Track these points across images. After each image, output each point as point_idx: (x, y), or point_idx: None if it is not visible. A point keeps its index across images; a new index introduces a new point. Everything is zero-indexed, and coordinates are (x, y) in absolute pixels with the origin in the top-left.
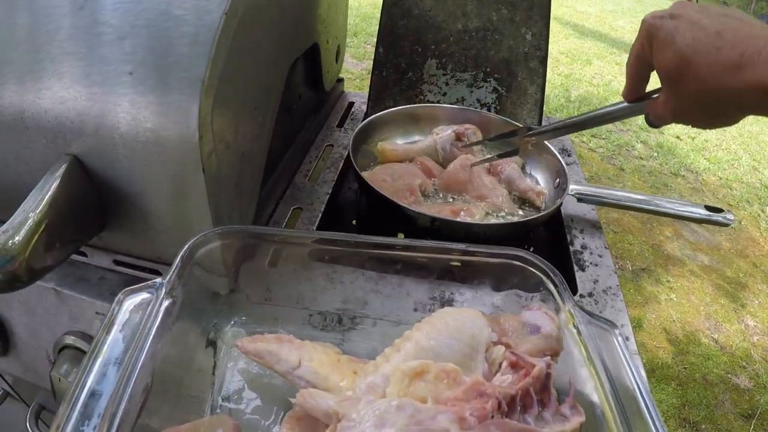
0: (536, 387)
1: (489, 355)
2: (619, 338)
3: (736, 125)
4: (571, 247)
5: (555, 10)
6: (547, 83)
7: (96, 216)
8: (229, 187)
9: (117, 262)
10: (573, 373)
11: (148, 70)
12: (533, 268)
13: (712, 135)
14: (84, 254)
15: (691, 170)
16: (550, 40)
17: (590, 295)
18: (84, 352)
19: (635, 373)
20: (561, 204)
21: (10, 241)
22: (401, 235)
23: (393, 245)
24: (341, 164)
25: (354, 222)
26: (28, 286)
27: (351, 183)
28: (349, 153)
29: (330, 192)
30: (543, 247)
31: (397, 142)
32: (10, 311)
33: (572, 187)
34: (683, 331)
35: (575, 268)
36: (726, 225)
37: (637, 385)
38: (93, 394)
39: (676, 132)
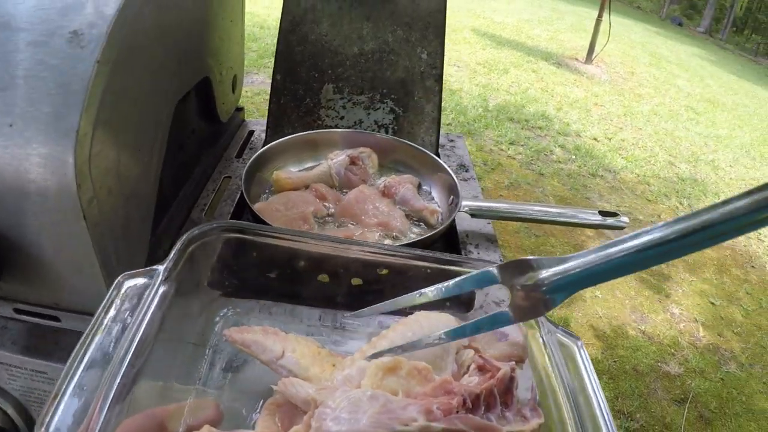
0: (500, 389)
1: (459, 357)
2: (582, 350)
3: (651, 123)
4: None
5: (472, 21)
6: (465, 94)
7: None
8: (116, 231)
9: (17, 311)
10: (535, 378)
11: (27, 121)
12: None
13: (628, 134)
14: None
15: (609, 170)
16: (468, 52)
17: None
18: None
19: (593, 382)
20: (452, 221)
21: None
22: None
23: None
24: (238, 196)
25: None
26: None
27: (248, 214)
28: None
29: None
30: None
31: (292, 170)
32: None
33: (465, 203)
34: (610, 326)
35: None
36: (621, 228)
37: (594, 392)
38: (90, 368)
39: (593, 134)
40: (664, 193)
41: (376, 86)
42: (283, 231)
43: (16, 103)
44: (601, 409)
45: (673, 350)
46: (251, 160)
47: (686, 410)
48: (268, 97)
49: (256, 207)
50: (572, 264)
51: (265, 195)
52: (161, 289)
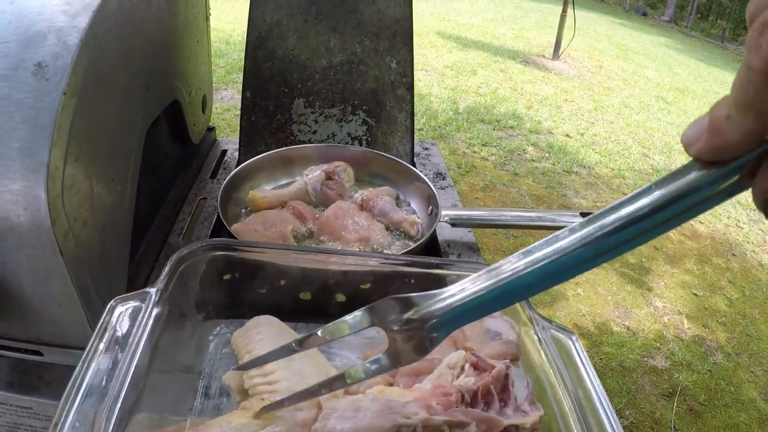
0: (497, 387)
1: (450, 360)
2: (577, 344)
3: (622, 116)
4: None
5: (437, 24)
6: (434, 98)
7: None
8: (94, 262)
9: (1, 347)
10: (533, 375)
11: None
12: None
13: (600, 129)
14: None
15: (583, 165)
16: (435, 55)
17: None
18: None
19: (591, 376)
20: (433, 233)
21: None
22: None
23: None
24: (215, 218)
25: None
26: None
27: (226, 236)
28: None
29: None
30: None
31: (267, 189)
32: None
33: (444, 212)
34: (594, 323)
35: None
36: None
37: (593, 386)
38: (88, 396)
39: (565, 130)
40: (640, 185)
41: (347, 98)
42: (271, 245)
43: None
44: (601, 401)
45: (658, 344)
46: (226, 181)
47: (675, 404)
48: (238, 112)
49: (234, 228)
50: (457, 297)
51: (243, 214)
52: (154, 312)
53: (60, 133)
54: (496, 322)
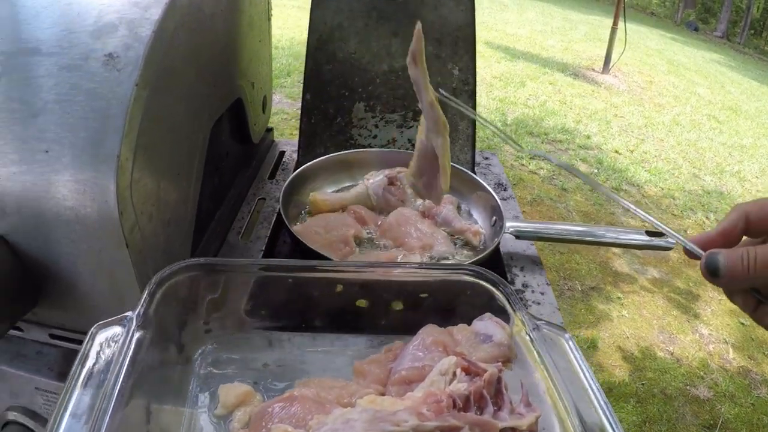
0: (490, 391)
1: (441, 366)
2: (570, 342)
3: (673, 133)
4: (512, 286)
5: (485, 34)
6: (482, 108)
7: (27, 293)
8: (157, 256)
9: (53, 336)
10: (528, 376)
11: (63, 147)
12: (483, 281)
13: (651, 146)
14: (20, 329)
15: (632, 184)
16: (483, 65)
17: None
18: (28, 428)
19: (587, 373)
20: (498, 244)
21: None
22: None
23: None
24: (274, 218)
25: None
26: None
27: (285, 237)
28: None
29: (263, 249)
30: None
31: (329, 192)
32: None
33: (509, 224)
34: (638, 347)
35: None
36: (668, 249)
37: (589, 384)
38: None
39: (614, 146)
40: (689, 206)
41: (408, 104)
42: (250, 263)
43: (51, 129)
44: (597, 399)
45: (702, 373)
46: (287, 181)
47: None
48: (287, 116)
49: (295, 230)
50: None
51: (302, 216)
52: (136, 336)
53: (131, 124)
54: (485, 324)
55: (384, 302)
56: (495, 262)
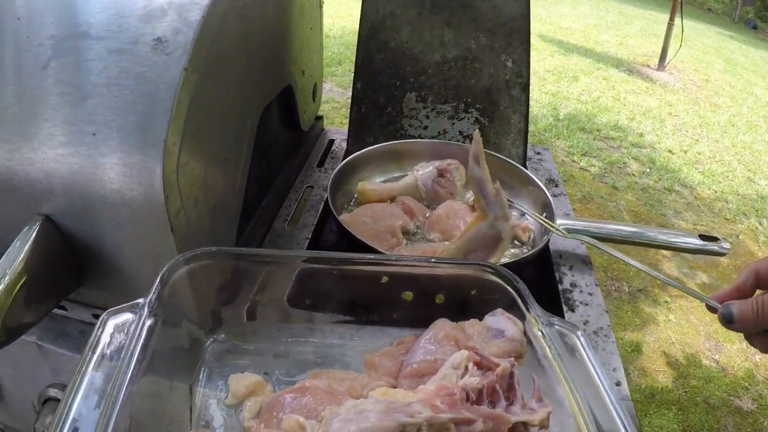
0: (502, 385)
1: (454, 360)
2: (582, 339)
3: (728, 135)
4: (560, 285)
5: (539, 27)
6: (534, 102)
7: (72, 273)
8: (202, 242)
9: (96, 316)
10: (540, 371)
11: (111, 130)
12: (496, 277)
13: (705, 147)
14: (64, 308)
15: (685, 185)
16: (536, 59)
17: None
18: None
19: (598, 371)
20: (548, 241)
21: None
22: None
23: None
24: (321, 207)
25: None
26: (8, 344)
27: (332, 225)
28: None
29: (309, 237)
30: (530, 287)
31: (377, 182)
32: None
33: (560, 222)
34: (683, 353)
35: (564, 308)
36: (722, 254)
37: (601, 382)
38: (80, 417)
39: (668, 146)
40: (743, 211)
41: (460, 95)
42: (264, 253)
43: (99, 112)
44: (609, 397)
45: (747, 384)
46: (336, 170)
47: None
48: (336, 104)
49: (342, 219)
50: None
51: (350, 206)
52: (147, 323)
53: (179, 109)
54: (498, 319)
55: (396, 295)
56: (544, 260)
